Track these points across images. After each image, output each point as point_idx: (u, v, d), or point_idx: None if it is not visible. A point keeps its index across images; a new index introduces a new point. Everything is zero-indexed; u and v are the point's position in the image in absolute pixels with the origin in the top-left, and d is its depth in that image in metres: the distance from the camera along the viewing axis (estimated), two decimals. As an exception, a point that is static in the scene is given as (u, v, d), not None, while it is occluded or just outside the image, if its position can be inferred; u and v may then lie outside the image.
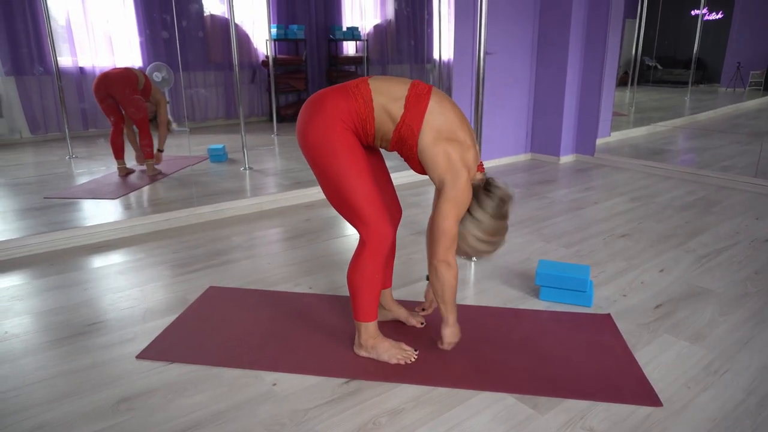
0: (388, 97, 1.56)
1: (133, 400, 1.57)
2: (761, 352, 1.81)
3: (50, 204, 3.39)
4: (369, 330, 1.72)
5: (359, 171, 1.55)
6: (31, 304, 2.17)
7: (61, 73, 4.02)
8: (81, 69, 4.27)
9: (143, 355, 1.78)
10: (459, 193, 1.56)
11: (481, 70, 2.37)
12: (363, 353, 1.75)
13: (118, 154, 3.95)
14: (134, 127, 4.02)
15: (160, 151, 4.16)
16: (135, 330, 1.96)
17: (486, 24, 2.33)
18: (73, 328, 1.98)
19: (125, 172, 3.96)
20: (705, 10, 5.22)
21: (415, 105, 1.55)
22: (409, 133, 1.55)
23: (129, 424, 1.47)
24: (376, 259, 1.61)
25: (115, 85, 3.97)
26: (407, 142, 1.57)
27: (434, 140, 1.55)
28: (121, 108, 3.96)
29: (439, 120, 1.56)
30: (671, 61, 5.79)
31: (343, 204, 1.59)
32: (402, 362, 1.72)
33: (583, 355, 1.79)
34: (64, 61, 4.10)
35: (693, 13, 5.32)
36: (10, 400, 1.57)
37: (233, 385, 1.64)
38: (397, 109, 1.55)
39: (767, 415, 1.50)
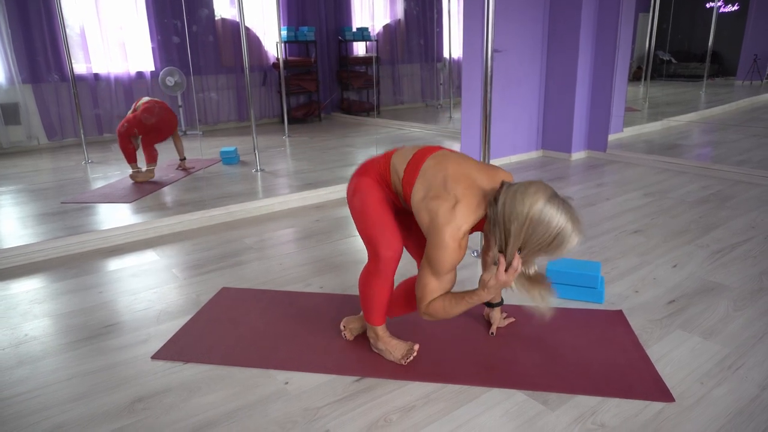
0: (400, 157, 1.62)
1: (149, 400, 1.60)
2: (776, 347, 1.79)
3: (67, 209, 3.46)
4: (377, 332, 1.75)
5: (378, 204, 1.64)
6: (50, 307, 2.22)
7: (76, 79, 4.10)
8: (96, 75, 4.35)
9: (158, 356, 1.82)
10: (437, 251, 1.45)
11: (489, 68, 2.36)
12: (377, 349, 1.78)
13: (131, 159, 4.02)
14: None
15: (183, 159, 4.29)
16: (149, 331, 2.00)
17: (494, 21, 2.33)
18: (89, 330, 2.02)
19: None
20: (720, 3, 5.15)
21: (414, 165, 1.56)
22: (407, 190, 1.57)
23: (145, 423, 1.50)
24: (382, 278, 1.65)
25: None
26: (407, 200, 1.59)
27: (421, 198, 1.51)
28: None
29: (429, 176, 1.51)
30: (686, 54, 5.72)
31: (363, 231, 1.64)
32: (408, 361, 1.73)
33: (594, 352, 1.78)
34: (79, 67, 4.18)
35: (708, 5, 5.25)
36: (31, 401, 1.61)
37: (246, 384, 1.66)
38: (402, 170, 1.59)
39: (782, 411, 1.48)
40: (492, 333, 1.91)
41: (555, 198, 1.37)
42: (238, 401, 1.58)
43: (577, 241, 1.38)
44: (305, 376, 1.69)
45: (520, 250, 1.40)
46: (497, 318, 1.93)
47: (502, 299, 1.95)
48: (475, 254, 2.63)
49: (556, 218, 1.34)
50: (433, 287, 1.52)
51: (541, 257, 1.43)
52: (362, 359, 1.76)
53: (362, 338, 1.88)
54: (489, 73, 2.37)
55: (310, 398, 1.58)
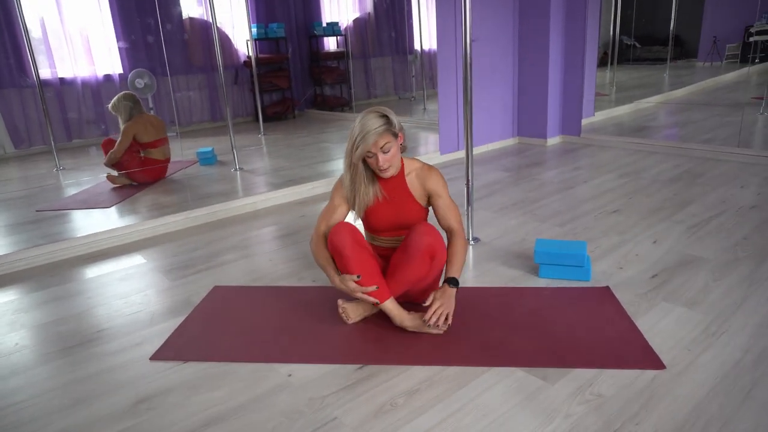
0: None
1: (152, 400, 1.59)
2: (755, 312, 1.88)
3: (43, 217, 3.38)
4: (387, 310, 1.84)
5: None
6: (37, 315, 2.17)
7: (42, 84, 3.98)
8: (61, 80, 4.24)
9: (157, 356, 1.80)
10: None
11: (468, 57, 2.40)
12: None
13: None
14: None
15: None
16: (143, 333, 1.98)
17: (471, 10, 2.36)
18: (81, 336, 1.99)
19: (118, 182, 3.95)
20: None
21: None
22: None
23: (150, 422, 1.49)
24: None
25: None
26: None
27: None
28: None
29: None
30: (649, 39, 5.88)
31: None
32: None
33: (586, 327, 1.84)
34: (44, 72, 4.06)
35: (668, -10, 5.39)
36: (28, 409, 1.58)
37: (249, 378, 1.67)
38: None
39: (764, 370, 1.57)
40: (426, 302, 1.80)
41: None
42: (243, 396, 1.59)
43: (367, 122, 1.75)
44: (307, 367, 1.71)
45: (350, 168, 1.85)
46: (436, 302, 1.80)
47: (452, 279, 1.84)
48: (473, 242, 2.66)
49: (357, 120, 1.79)
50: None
51: (360, 154, 1.78)
52: (363, 347, 1.78)
53: (361, 327, 1.90)
54: (468, 62, 2.41)
55: (314, 388, 1.60)
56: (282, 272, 2.45)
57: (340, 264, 1.82)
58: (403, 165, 1.95)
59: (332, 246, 1.80)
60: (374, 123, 1.75)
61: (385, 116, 1.78)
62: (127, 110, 3.91)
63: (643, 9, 5.62)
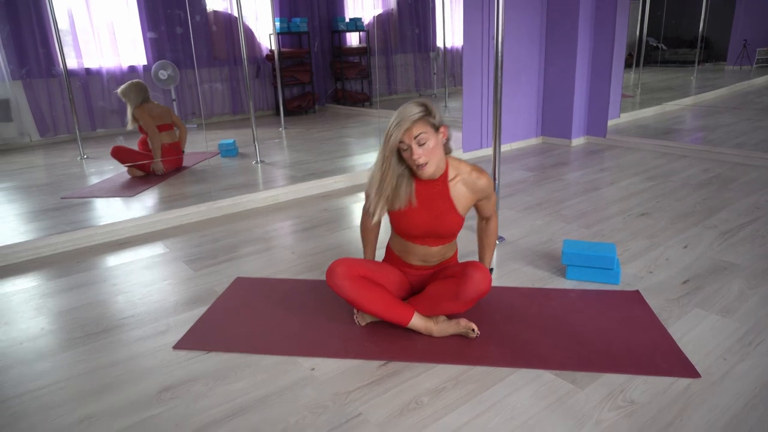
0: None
1: (176, 389, 1.58)
2: (793, 322, 1.82)
3: (68, 204, 3.41)
4: (418, 328, 1.82)
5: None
6: (62, 300, 2.19)
7: (68, 74, 4.02)
8: (87, 70, 4.28)
9: (180, 346, 1.80)
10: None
11: (500, 55, 2.36)
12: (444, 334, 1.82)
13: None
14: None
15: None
16: (168, 322, 1.98)
17: (504, 7, 2.32)
18: (106, 322, 2.00)
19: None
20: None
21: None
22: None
23: (175, 411, 1.49)
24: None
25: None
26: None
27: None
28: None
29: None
30: (676, 40, 5.76)
31: None
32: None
33: (616, 331, 1.80)
34: (70, 62, 4.10)
35: (699, -9, 5.28)
36: (55, 393, 1.59)
37: (273, 371, 1.65)
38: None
39: (806, 383, 1.51)
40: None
41: None
42: (266, 388, 1.57)
43: (404, 109, 1.63)
44: (331, 361, 1.69)
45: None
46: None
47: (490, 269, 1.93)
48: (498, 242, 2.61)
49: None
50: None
51: (393, 143, 1.63)
52: (387, 344, 1.76)
53: (383, 323, 1.87)
54: (500, 60, 2.37)
55: (338, 383, 1.58)
56: (304, 265, 2.43)
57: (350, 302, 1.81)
58: (447, 168, 1.74)
59: (333, 289, 1.77)
60: (411, 110, 1.61)
61: (425, 105, 1.63)
62: (139, 97, 3.97)
63: (672, 10, 5.50)
